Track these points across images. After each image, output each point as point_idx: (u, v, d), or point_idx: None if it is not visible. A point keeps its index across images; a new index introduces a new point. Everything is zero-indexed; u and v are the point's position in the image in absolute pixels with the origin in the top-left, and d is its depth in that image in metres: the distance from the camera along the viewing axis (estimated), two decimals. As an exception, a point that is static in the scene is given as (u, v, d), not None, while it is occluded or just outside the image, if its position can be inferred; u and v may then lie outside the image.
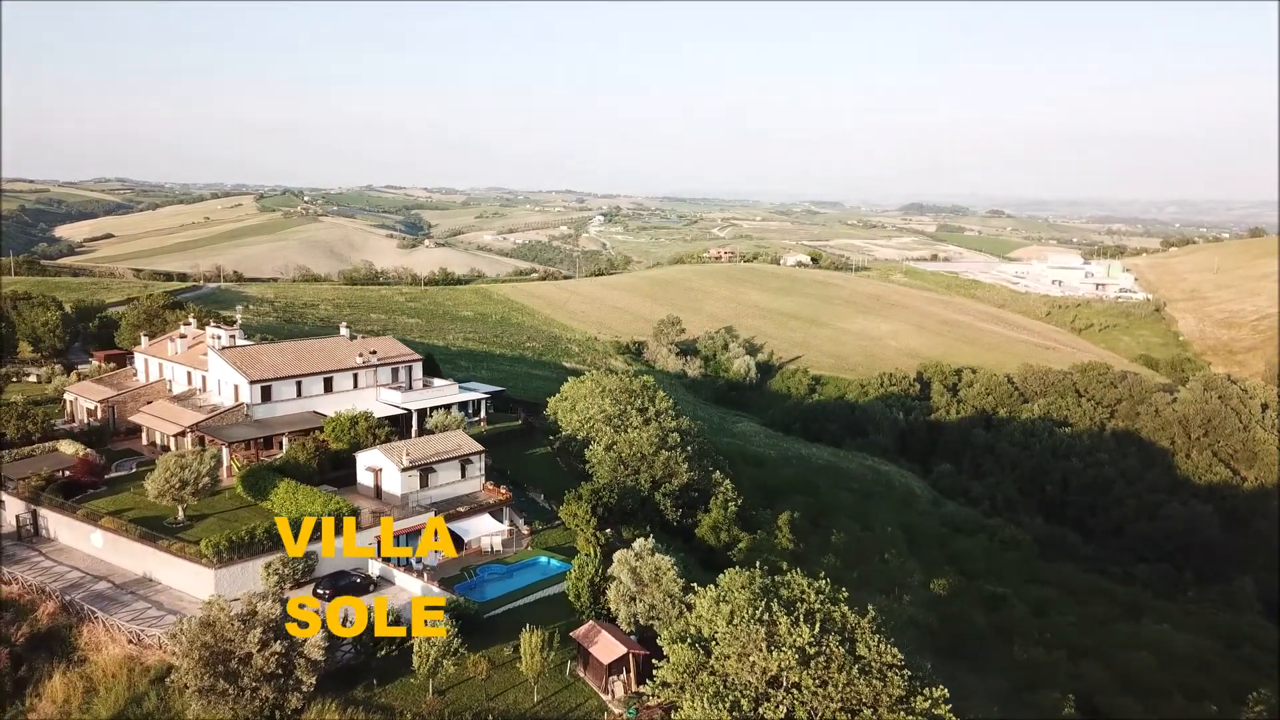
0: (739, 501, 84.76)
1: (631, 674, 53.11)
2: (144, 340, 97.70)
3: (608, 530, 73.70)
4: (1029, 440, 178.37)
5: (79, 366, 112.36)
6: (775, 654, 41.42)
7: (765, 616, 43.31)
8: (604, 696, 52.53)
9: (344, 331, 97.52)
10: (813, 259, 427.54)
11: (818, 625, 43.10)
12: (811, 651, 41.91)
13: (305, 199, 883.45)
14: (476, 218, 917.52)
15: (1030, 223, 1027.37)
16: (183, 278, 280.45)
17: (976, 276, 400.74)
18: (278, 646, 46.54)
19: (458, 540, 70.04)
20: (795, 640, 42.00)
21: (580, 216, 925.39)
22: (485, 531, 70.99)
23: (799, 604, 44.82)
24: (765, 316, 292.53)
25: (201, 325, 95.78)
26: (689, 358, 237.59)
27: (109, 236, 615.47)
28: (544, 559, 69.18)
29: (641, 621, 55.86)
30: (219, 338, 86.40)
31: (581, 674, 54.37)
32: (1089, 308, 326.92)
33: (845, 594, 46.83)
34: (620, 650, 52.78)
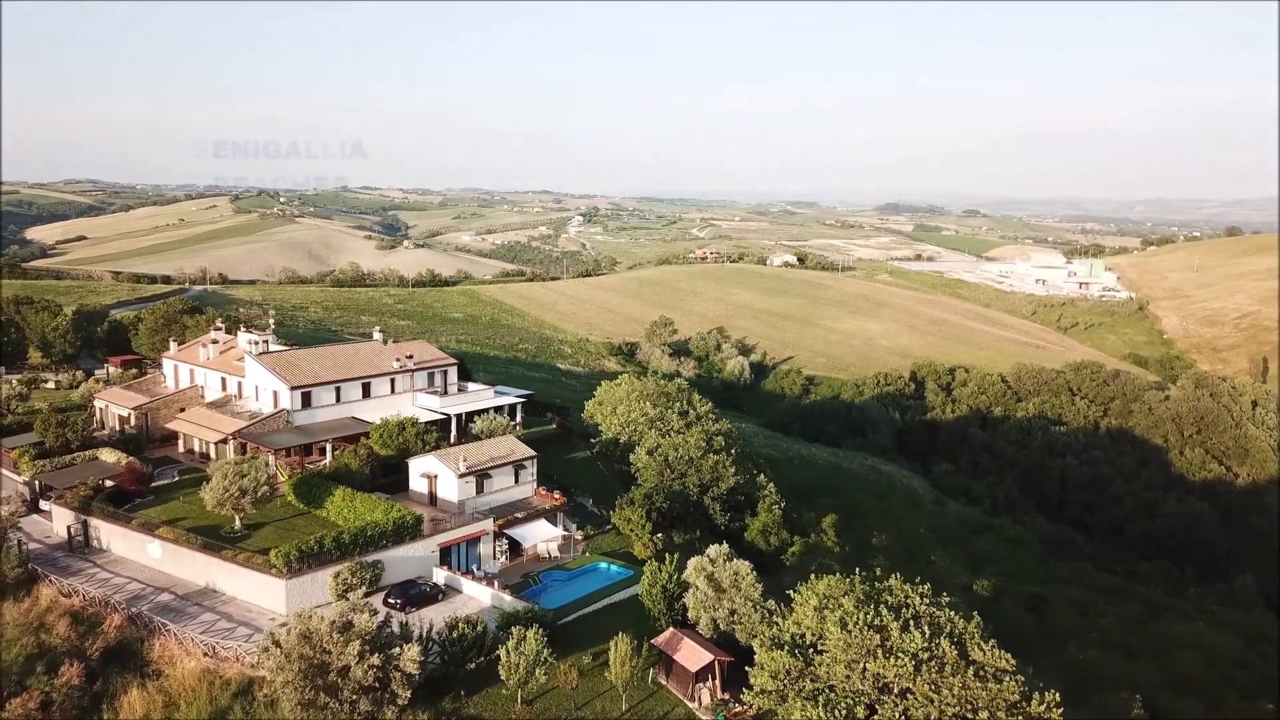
0: (783, 505, 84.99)
1: (717, 681, 53.15)
2: (172, 345, 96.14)
3: (659, 535, 73.72)
4: (1025, 439, 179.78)
5: (95, 372, 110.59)
6: (891, 661, 41.62)
7: (877, 622, 43.51)
8: (690, 704, 52.42)
9: (377, 336, 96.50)
10: (799, 259, 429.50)
11: (926, 630, 43.35)
12: (924, 656, 42.17)
13: (281, 200, 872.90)
14: (454, 218, 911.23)
15: (1005, 222, 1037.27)
16: (166, 280, 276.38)
17: (961, 276, 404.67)
18: (375, 659, 46.05)
19: (515, 546, 69.81)
20: (908, 645, 42.23)
21: (559, 217, 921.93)
22: (542, 537, 70.64)
23: (904, 609, 45.08)
24: (755, 317, 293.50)
25: (231, 330, 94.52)
26: (682, 359, 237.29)
27: (82, 239, 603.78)
28: (604, 565, 68.96)
29: (722, 627, 55.84)
30: (255, 343, 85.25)
31: (664, 681, 54.27)
32: (1074, 306, 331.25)
33: (946, 598, 47.18)
34: (706, 657, 52.73)
